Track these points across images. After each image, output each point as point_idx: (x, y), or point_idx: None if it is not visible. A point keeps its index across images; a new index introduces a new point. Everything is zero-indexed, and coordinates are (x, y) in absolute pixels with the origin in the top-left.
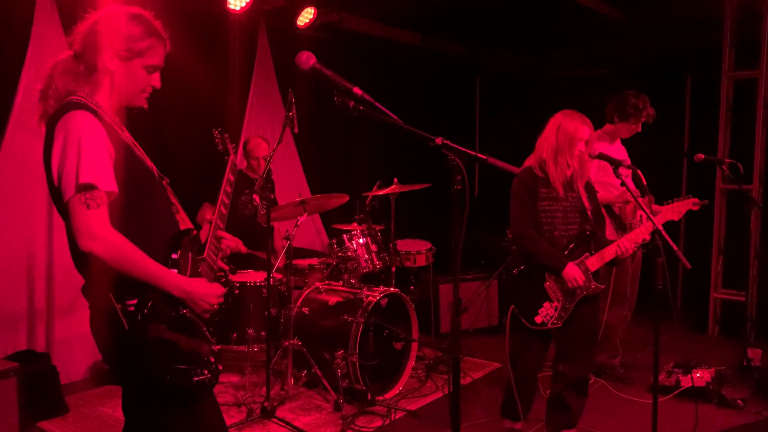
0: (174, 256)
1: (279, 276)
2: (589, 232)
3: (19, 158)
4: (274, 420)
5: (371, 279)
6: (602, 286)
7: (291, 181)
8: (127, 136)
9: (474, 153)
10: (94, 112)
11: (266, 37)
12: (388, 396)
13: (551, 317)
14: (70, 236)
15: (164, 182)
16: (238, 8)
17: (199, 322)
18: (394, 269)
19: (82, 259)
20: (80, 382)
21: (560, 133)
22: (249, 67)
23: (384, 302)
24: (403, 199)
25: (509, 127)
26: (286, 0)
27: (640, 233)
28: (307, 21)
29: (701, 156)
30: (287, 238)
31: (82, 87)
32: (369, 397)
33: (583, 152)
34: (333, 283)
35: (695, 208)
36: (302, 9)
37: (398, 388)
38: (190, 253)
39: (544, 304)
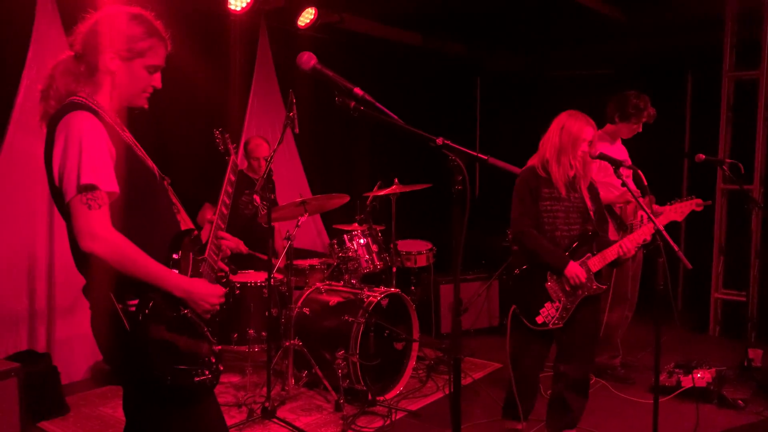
0: (175, 256)
1: (280, 276)
2: (591, 233)
3: (20, 159)
4: (275, 420)
5: (372, 279)
6: (604, 287)
7: (292, 182)
8: (128, 136)
9: (475, 153)
10: (95, 113)
11: (267, 38)
12: (388, 396)
13: (552, 317)
14: (71, 236)
15: (165, 182)
16: (238, 8)
17: (200, 323)
18: (394, 269)
19: (83, 259)
20: (81, 382)
21: (564, 134)
22: (250, 67)
23: (385, 302)
24: (403, 199)
25: (510, 127)
26: (286, 0)
27: (642, 234)
28: (308, 21)
29: (702, 156)
30: (288, 239)
31: (83, 87)
32: (370, 397)
33: (586, 153)
34: (334, 283)
35: (698, 209)
36: (303, 9)
37: (399, 388)
38: (191, 254)
39: (546, 305)
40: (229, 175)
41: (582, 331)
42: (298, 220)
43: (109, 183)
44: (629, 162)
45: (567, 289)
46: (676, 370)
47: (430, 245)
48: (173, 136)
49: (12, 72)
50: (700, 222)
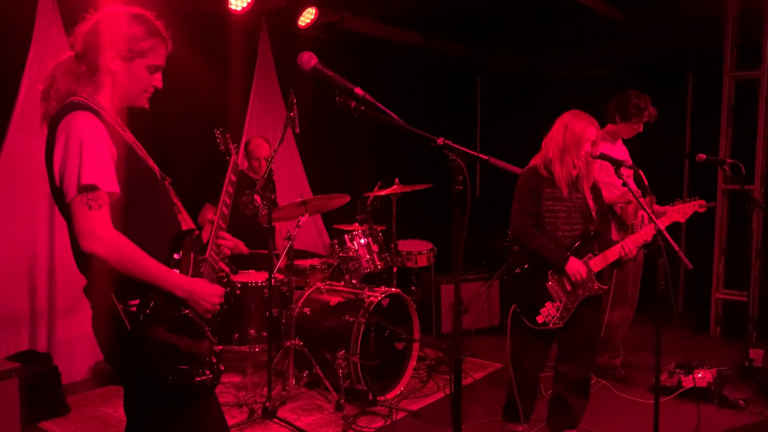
0: (176, 256)
1: (280, 276)
2: (593, 233)
3: (21, 159)
4: (276, 420)
5: (372, 279)
6: (605, 287)
7: (292, 182)
8: (129, 136)
9: (475, 153)
10: (96, 113)
11: (267, 38)
12: (389, 396)
13: (553, 317)
14: (72, 237)
15: (166, 182)
16: (239, 9)
17: (201, 323)
18: (395, 269)
19: (84, 259)
20: (82, 382)
21: (567, 133)
22: (250, 67)
23: (385, 302)
24: (404, 199)
25: (510, 127)
26: (287, 0)
27: (644, 235)
28: (309, 21)
29: (703, 156)
30: (289, 239)
31: (84, 87)
32: (370, 397)
33: (588, 153)
34: (334, 283)
35: (701, 210)
36: (303, 9)
37: (399, 388)
38: (192, 254)
39: (546, 304)
40: (230, 175)
41: (583, 331)
42: (299, 220)
43: (109, 183)
44: (630, 162)
45: (568, 288)
46: (677, 370)
47: (430, 245)
48: (174, 136)
49: (13, 72)
50: (701, 222)
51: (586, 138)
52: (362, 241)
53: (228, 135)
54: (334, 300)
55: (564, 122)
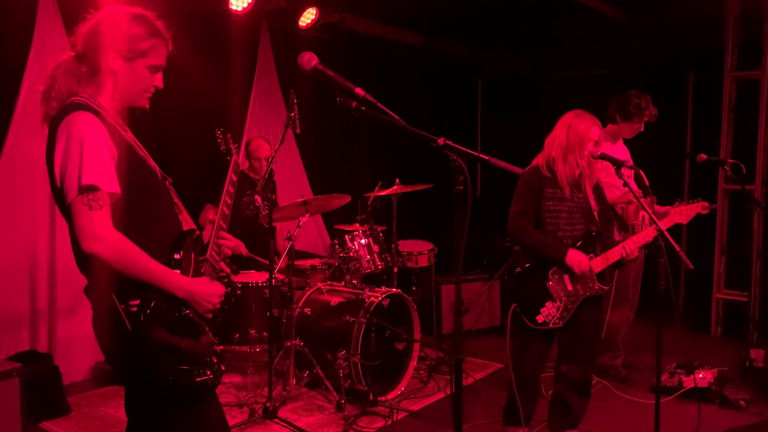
0: (177, 256)
1: (281, 276)
2: (595, 233)
3: (22, 159)
4: (276, 420)
5: (373, 279)
6: (606, 288)
7: (293, 182)
8: (129, 136)
9: (476, 153)
10: (97, 113)
11: (268, 38)
12: (390, 396)
13: (553, 317)
14: (72, 237)
15: (167, 182)
16: (239, 9)
17: (202, 323)
18: (396, 270)
19: (84, 259)
20: (82, 382)
21: (571, 133)
22: (251, 67)
23: (386, 303)
24: (405, 199)
25: (511, 127)
26: (287, 1)
27: (646, 235)
28: (309, 22)
29: (704, 156)
30: (289, 239)
31: (85, 88)
32: (371, 397)
33: (591, 152)
34: (335, 283)
35: (704, 212)
36: (304, 10)
37: (400, 388)
38: (192, 254)
39: (547, 304)
40: (231, 175)
41: (584, 331)
42: (300, 221)
43: (110, 183)
44: (631, 162)
45: (569, 288)
46: (678, 371)
47: (431, 245)
48: (174, 137)
49: (14, 72)
50: (702, 222)
51: (590, 138)
52: (363, 241)
53: (229, 135)
54: (335, 300)
55: (567, 122)
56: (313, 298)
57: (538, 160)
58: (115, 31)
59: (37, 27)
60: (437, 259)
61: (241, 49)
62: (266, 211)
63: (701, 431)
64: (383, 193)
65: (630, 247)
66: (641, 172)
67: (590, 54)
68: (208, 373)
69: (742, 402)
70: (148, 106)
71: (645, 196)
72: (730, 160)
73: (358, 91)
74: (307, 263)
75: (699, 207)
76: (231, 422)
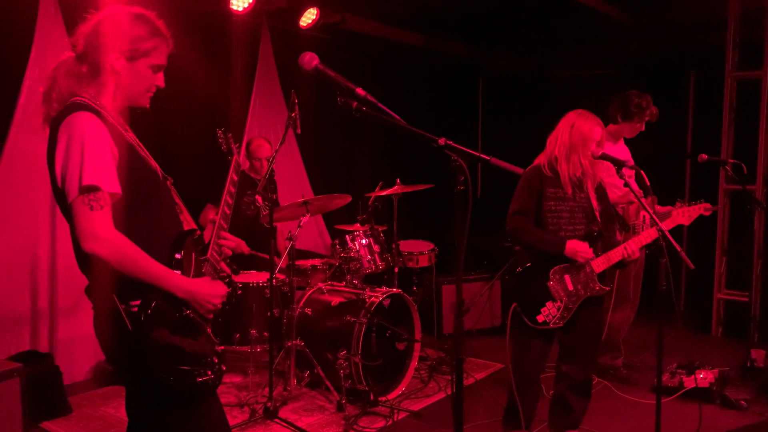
0: (177, 256)
1: (282, 276)
2: (596, 233)
3: (23, 159)
4: (277, 420)
5: (374, 279)
6: (607, 288)
7: (293, 182)
8: (131, 136)
9: (477, 153)
10: (98, 113)
11: (269, 38)
12: (390, 396)
13: (553, 317)
14: (73, 237)
15: (168, 182)
16: (240, 9)
17: (203, 323)
18: (396, 270)
19: (85, 259)
20: (83, 382)
21: (574, 132)
22: (252, 67)
23: (387, 303)
24: (405, 199)
25: (511, 127)
26: (288, 1)
27: (647, 236)
28: (310, 22)
29: (704, 156)
30: (290, 239)
31: (86, 88)
32: (372, 397)
33: (593, 152)
34: (335, 283)
35: (707, 214)
36: (305, 10)
37: (401, 388)
38: (193, 254)
39: (547, 304)
40: (232, 175)
41: (584, 331)
42: (300, 221)
43: (111, 184)
44: (632, 162)
45: (569, 288)
46: (679, 371)
47: (432, 245)
48: (175, 137)
49: (14, 73)
50: (703, 222)
51: (593, 138)
52: (363, 241)
53: (230, 135)
54: (336, 300)
55: (570, 121)
56: (313, 298)
57: (540, 160)
58: (117, 31)
59: (38, 27)
60: (438, 259)
61: (242, 49)
62: (267, 211)
63: (702, 431)
64: (384, 193)
65: (631, 247)
66: (642, 172)
67: (591, 54)
68: (209, 373)
69: (743, 402)
70: (148, 106)
71: (646, 196)
72: (731, 160)
73: (359, 91)
74: (307, 263)
75: (701, 208)
76: (232, 422)
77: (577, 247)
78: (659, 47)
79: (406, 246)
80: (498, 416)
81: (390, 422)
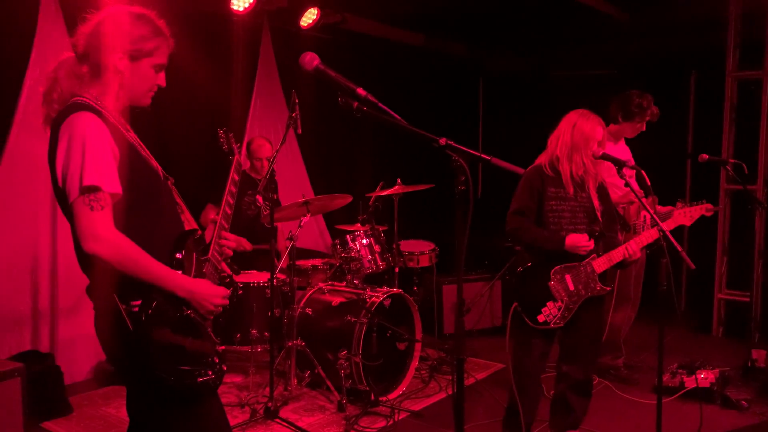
0: (178, 256)
1: (282, 276)
2: (598, 233)
3: (24, 159)
4: (278, 420)
5: (374, 279)
6: (608, 288)
7: (294, 182)
8: (132, 136)
9: (478, 153)
10: (99, 113)
11: (269, 38)
12: (391, 396)
13: (554, 317)
14: (74, 237)
15: (169, 182)
16: (241, 9)
17: (203, 323)
18: (397, 270)
19: (86, 259)
20: (84, 382)
21: (576, 132)
22: (252, 67)
23: (387, 303)
24: (406, 199)
25: (512, 127)
26: (289, 1)
27: (649, 236)
28: (311, 22)
29: (705, 156)
30: (291, 239)
31: (88, 88)
32: (372, 397)
33: (594, 152)
34: (336, 283)
35: (708, 214)
36: (305, 10)
37: (401, 388)
38: (194, 254)
39: (548, 303)
40: (233, 175)
41: (585, 332)
42: (301, 221)
43: (112, 184)
44: (632, 162)
45: (571, 288)
46: (680, 371)
47: (432, 245)
48: (176, 136)
49: (15, 73)
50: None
51: (594, 137)
52: (364, 241)
53: (231, 134)
54: (336, 300)
55: (572, 121)
56: (314, 298)
57: (541, 160)
58: (119, 31)
59: (39, 27)
60: (438, 259)
61: (243, 49)
62: (267, 211)
63: (703, 431)
64: (385, 193)
65: (633, 248)
66: (643, 172)
67: (592, 54)
68: (210, 373)
69: (743, 402)
70: (150, 105)
71: (647, 196)
72: (732, 160)
73: (360, 91)
74: (308, 263)
75: (703, 209)
76: (232, 422)
77: (578, 241)
78: (660, 47)
79: (407, 246)
80: (499, 416)
81: (391, 422)
